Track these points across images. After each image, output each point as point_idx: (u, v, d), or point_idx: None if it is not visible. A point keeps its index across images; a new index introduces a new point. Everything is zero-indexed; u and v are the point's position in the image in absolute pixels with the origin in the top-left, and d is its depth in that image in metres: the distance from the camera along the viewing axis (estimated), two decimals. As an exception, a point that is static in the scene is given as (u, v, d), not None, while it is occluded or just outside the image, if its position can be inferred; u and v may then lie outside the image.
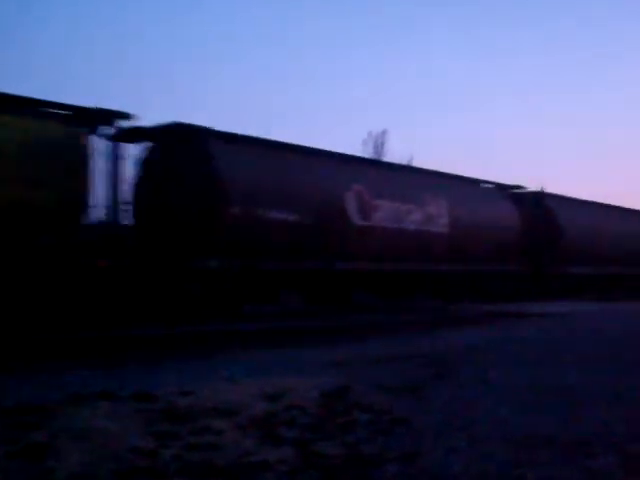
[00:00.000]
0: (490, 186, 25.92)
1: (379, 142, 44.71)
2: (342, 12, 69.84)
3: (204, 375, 7.40)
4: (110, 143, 15.87)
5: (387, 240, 19.63)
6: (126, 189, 16.68)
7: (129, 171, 16.90)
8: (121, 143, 16.24)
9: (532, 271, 25.90)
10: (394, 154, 42.49)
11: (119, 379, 7.11)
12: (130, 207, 16.87)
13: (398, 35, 69.39)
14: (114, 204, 15.91)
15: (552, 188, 29.71)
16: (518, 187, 27.17)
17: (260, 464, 4.18)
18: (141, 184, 17.05)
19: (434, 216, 21.37)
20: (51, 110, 14.61)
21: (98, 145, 15.45)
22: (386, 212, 19.68)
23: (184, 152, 16.65)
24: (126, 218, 16.66)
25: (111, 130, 15.79)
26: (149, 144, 17.39)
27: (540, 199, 27.51)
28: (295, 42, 68.00)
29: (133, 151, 17.18)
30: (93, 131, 15.27)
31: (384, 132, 45.21)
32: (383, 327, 13.88)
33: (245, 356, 9.21)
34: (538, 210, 26.85)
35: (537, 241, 26.03)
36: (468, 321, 15.76)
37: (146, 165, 17.22)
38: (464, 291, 23.02)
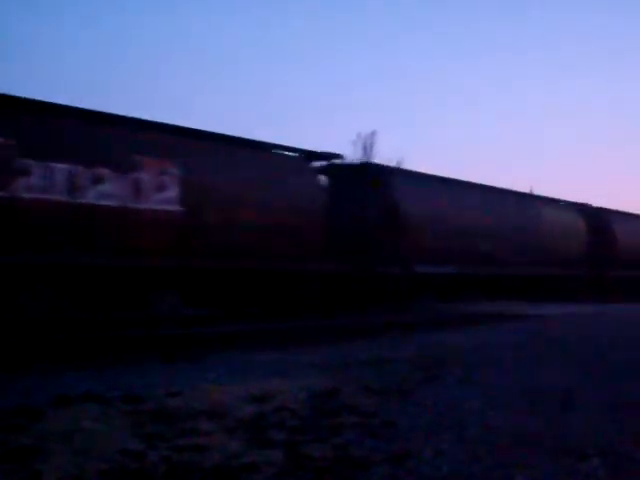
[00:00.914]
0: (285, 153, 18.58)
1: (368, 143, 44.60)
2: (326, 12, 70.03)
3: (191, 377, 7.38)
4: None
5: (52, 221, 13.00)
6: None
7: None
8: None
9: (351, 270, 18.86)
10: (383, 155, 42.46)
11: (106, 380, 7.08)
12: None
13: (389, 35, 69.55)
14: None
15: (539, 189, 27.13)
16: (336, 156, 19.84)
17: (248, 466, 4.18)
18: None
19: (150, 188, 14.49)
20: None
21: None
22: (47, 178, 12.87)
23: None
24: None
25: None
26: None
27: (375, 175, 20.28)
28: (287, 42, 68.05)
29: None
30: None
31: (373, 133, 45.09)
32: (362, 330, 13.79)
33: (231, 358, 9.20)
34: (370, 190, 19.84)
35: (365, 232, 19.40)
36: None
37: None
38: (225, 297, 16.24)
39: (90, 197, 13.48)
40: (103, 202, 13.67)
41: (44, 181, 12.85)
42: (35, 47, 59.39)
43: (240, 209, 15.91)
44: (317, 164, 19.16)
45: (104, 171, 13.74)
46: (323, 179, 18.97)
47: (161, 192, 14.72)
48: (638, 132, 78.15)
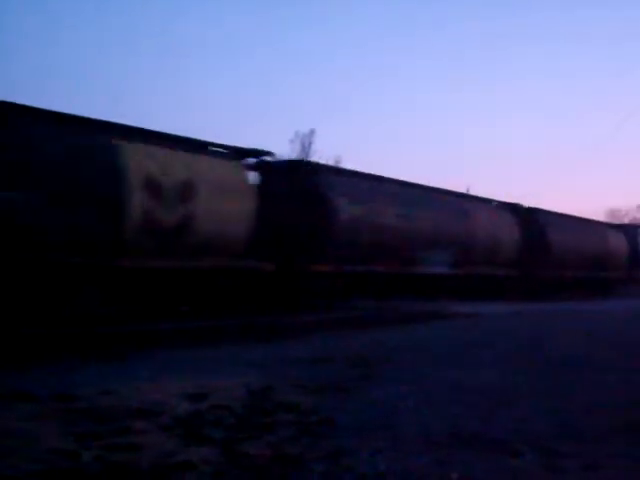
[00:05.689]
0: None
1: (306, 142, 44.60)
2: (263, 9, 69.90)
3: (124, 375, 7.29)
4: None
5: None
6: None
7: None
8: None
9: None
10: (322, 154, 42.46)
11: (36, 379, 6.94)
12: None
13: (327, 31, 69.71)
14: None
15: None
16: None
17: (183, 464, 4.13)
18: None
19: None
20: None
21: None
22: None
23: None
24: None
25: None
26: None
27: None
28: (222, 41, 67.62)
29: None
30: None
31: (312, 132, 45.12)
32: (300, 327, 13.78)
33: (165, 355, 9.12)
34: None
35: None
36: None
37: None
38: None
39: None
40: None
41: None
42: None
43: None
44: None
45: None
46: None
47: None
48: (573, 134, 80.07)
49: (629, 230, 40.70)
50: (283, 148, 43.36)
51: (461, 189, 30.14)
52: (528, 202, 31.39)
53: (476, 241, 26.01)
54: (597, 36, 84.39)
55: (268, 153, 19.27)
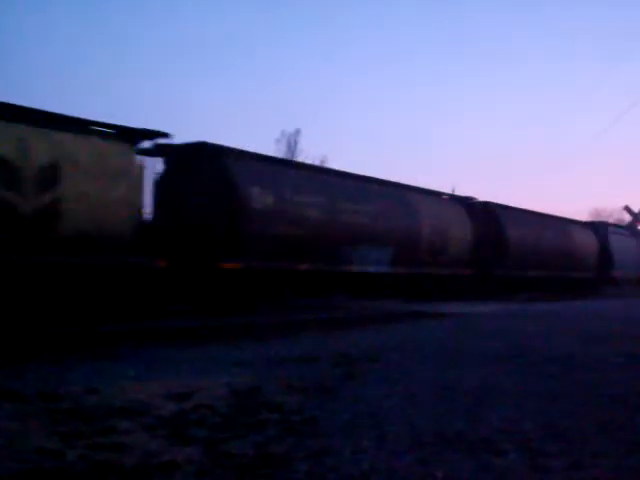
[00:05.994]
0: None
1: (292, 141, 44.67)
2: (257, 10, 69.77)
3: (110, 374, 7.26)
4: None
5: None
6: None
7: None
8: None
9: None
10: (308, 153, 42.55)
11: (21, 378, 6.89)
12: None
13: (312, 33, 69.58)
14: None
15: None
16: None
17: (168, 464, 4.13)
18: None
19: None
20: None
21: None
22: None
23: None
24: None
25: None
26: None
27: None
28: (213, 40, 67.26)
29: None
30: None
31: (297, 131, 45.19)
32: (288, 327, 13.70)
33: (151, 355, 9.08)
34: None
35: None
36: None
37: None
38: None
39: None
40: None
41: None
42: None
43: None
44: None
45: None
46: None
47: None
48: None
49: (599, 228, 38.51)
50: (269, 147, 43.36)
51: (447, 189, 28.99)
52: (499, 199, 30.83)
53: (421, 237, 24.15)
54: (593, 36, 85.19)
55: (165, 135, 16.58)
